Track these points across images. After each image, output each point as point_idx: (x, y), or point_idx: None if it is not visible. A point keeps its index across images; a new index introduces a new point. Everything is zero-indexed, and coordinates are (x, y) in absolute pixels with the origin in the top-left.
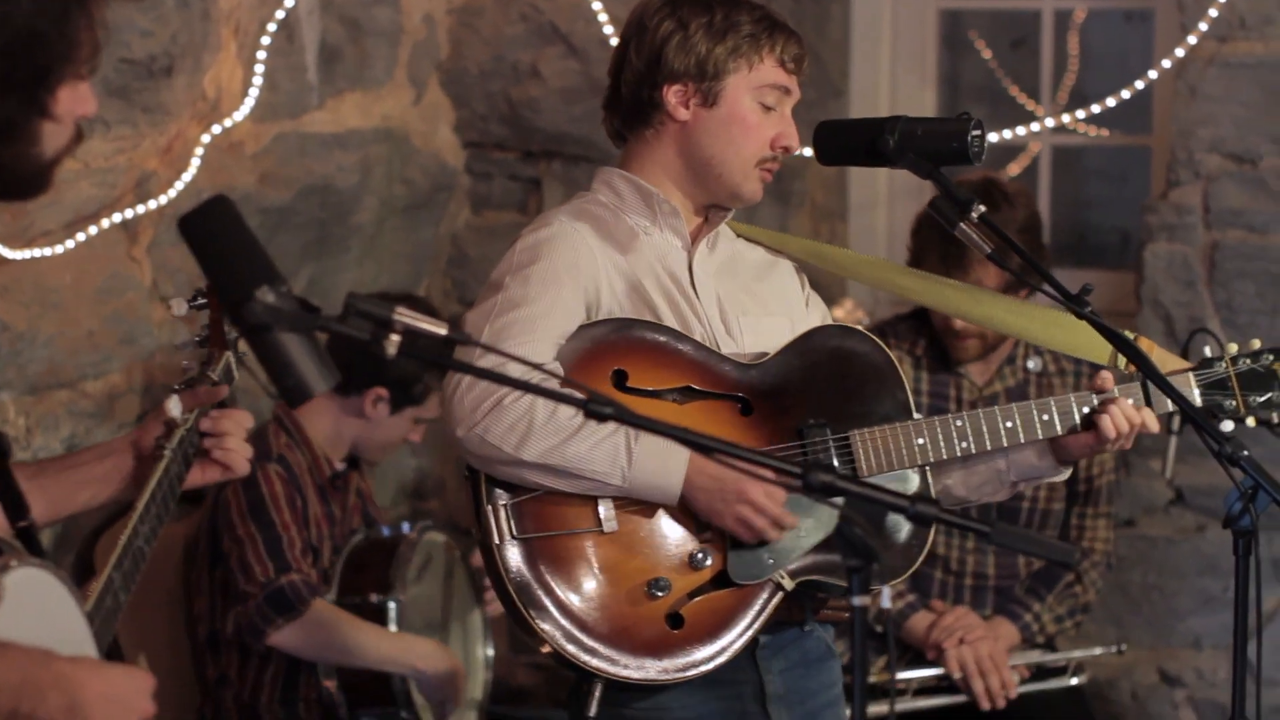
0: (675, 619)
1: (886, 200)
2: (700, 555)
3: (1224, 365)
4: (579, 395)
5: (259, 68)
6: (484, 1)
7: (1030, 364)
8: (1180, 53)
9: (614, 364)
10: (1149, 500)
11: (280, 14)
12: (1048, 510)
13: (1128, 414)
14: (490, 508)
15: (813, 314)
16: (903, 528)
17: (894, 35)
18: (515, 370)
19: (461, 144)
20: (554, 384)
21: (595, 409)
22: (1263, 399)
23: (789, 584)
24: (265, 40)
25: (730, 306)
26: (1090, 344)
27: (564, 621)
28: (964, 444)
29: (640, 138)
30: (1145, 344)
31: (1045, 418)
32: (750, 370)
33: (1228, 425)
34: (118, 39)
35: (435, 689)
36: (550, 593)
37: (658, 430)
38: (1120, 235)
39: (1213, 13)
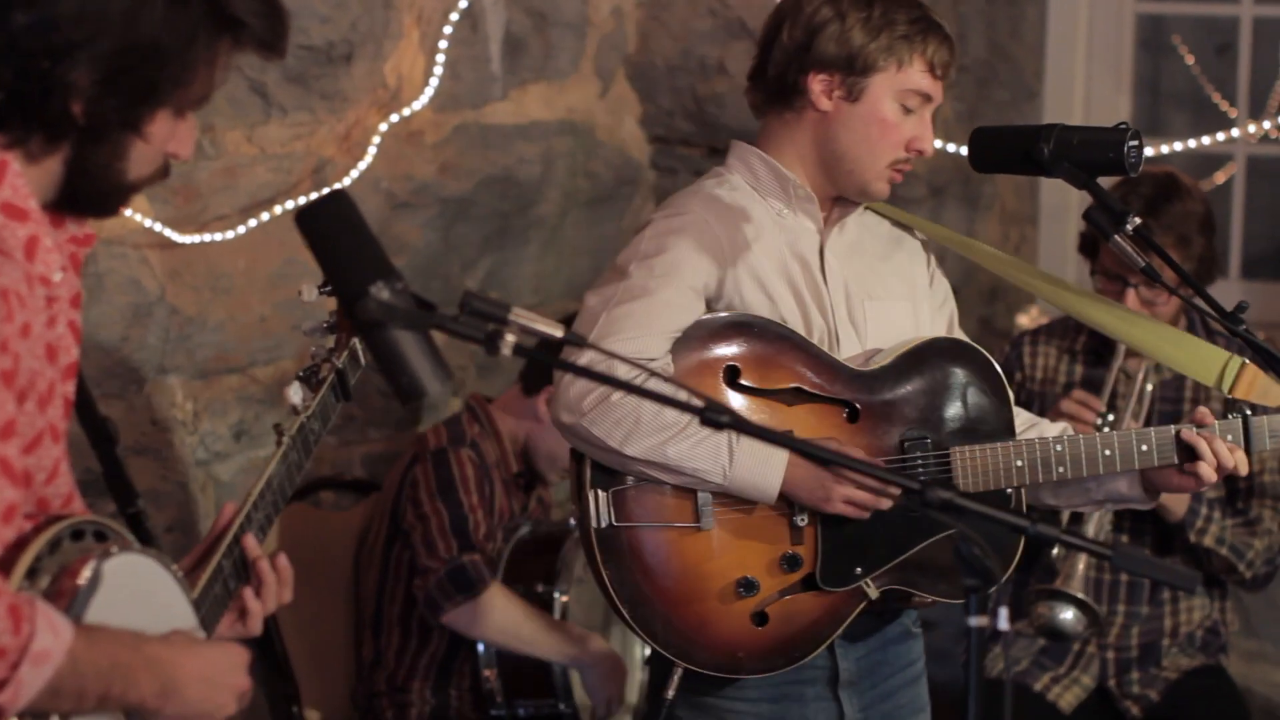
0: (761, 617)
1: (1079, 206)
2: (791, 558)
3: None
4: (696, 403)
5: (440, 57)
6: None
7: None
8: None
9: (727, 360)
10: None
11: (464, 3)
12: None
13: (1220, 455)
14: (592, 493)
15: (936, 293)
16: (997, 536)
17: (1090, 38)
18: (625, 367)
19: (647, 139)
20: (665, 385)
21: (712, 417)
22: None
23: (874, 593)
24: (448, 29)
25: (856, 290)
26: (1202, 364)
27: (651, 610)
28: (1061, 469)
29: (780, 118)
30: (1251, 372)
31: (1144, 449)
32: (861, 376)
33: None
34: (296, 25)
35: (601, 686)
36: (641, 580)
37: (781, 442)
38: None
39: None
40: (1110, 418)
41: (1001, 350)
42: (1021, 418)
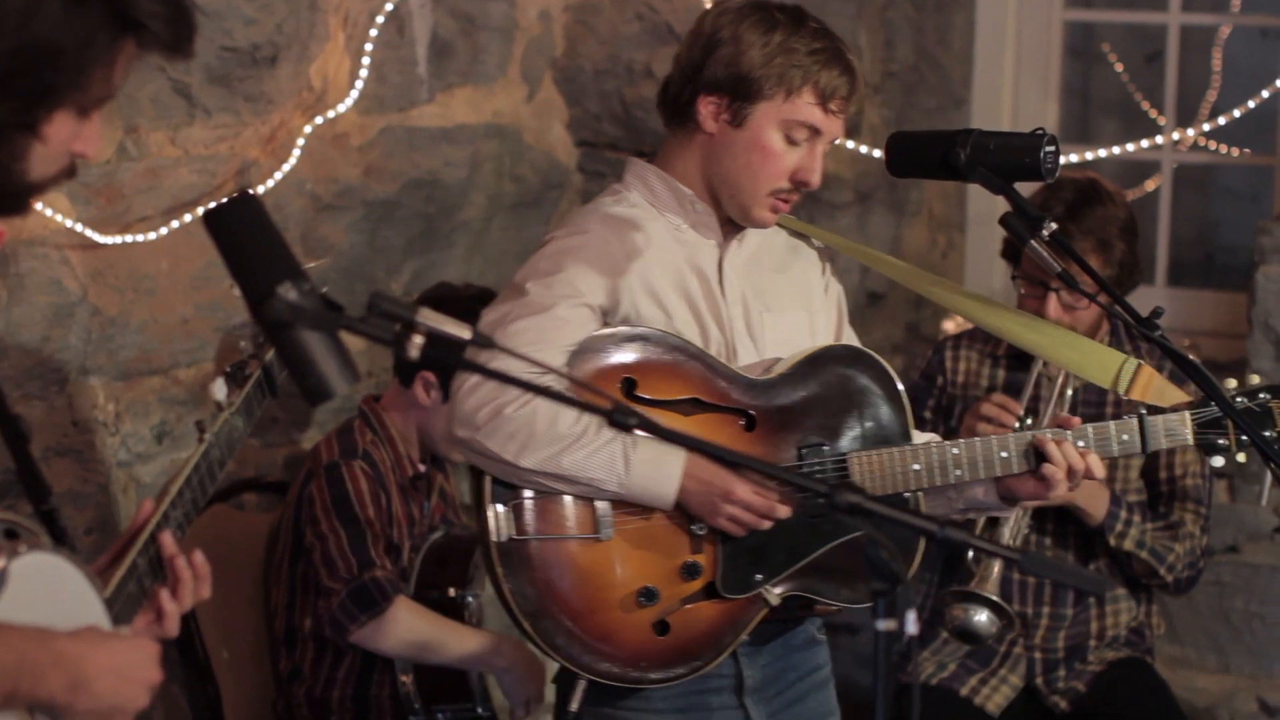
0: (662, 626)
1: None
2: (691, 567)
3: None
4: (604, 405)
5: (366, 59)
6: (601, 0)
7: None
8: None
9: (624, 373)
10: (1253, 528)
11: (390, 6)
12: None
13: (1070, 458)
14: (491, 507)
15: (830, 299)
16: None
17: (1018, 45)
18: (527, 375)
19: (574, 143)
20: (567, 392)
21: (620, 419)
22: (1254, 438)
23: (774, 599)
24: (374, 32)
25: (754, 303)
26: (1098, 367)
27: (553, 622)
28: (958, 472)
29: (675, 137)
30: (1146, 374)
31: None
32: (758, 386)
33: (1218, 461)
34: (220, 26)
35: (519, 689)
36: (542, 593)
37: (696, 447)
38: (1247, 256)
39: None
40: (1029, 421)
41: (926, 355)
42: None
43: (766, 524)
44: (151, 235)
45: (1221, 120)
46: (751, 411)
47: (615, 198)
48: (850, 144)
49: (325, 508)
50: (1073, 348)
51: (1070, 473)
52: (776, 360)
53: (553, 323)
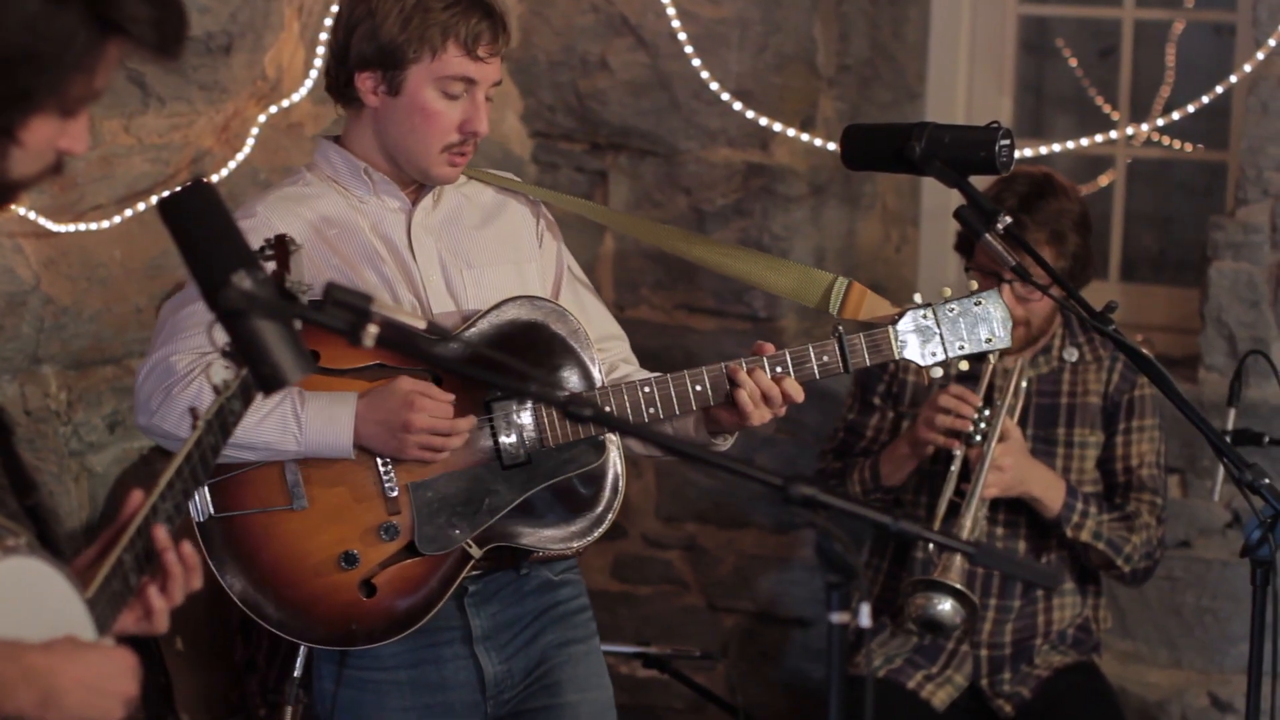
0: (368, 588)
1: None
2: (388, 528)
3: (927, 314)
4: (560, 396)
5: (321, 49)
6: None
7: (1066, 355)
8: (1248, 68)
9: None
10: (1205, 522)
11: None
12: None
13: (762, 384)
14: None
15: (546, 253)
16: (591, 489)
17: (972, 39)
18: (184, 359)
19: (528, 134)
20: (218, 365)
21: (576, 411)
22: (970, 343)
23: (476, 552)
24: (328, 22)
25: (451, 261)
26: (807, 288)
27: (261, 595)
28: (651, 409)
29: (349, 113)
30: (858, 290)
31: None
32: (441, 344)
33: (938, 373)
34: None
35: None
36: (248, 567)
37: (657, 441)
38: (1201, 251)
39: None
40: (987, 413)
41: None
42: (621, 370)
43: (456, 442)
44: (105, 224)
45: (1175, 115)
46: (435, 371)
47: (294, 179)
48: (805, 136)
49: None
50: (780, 272)
51: (765, 399)
52: (474, 313)
53: None
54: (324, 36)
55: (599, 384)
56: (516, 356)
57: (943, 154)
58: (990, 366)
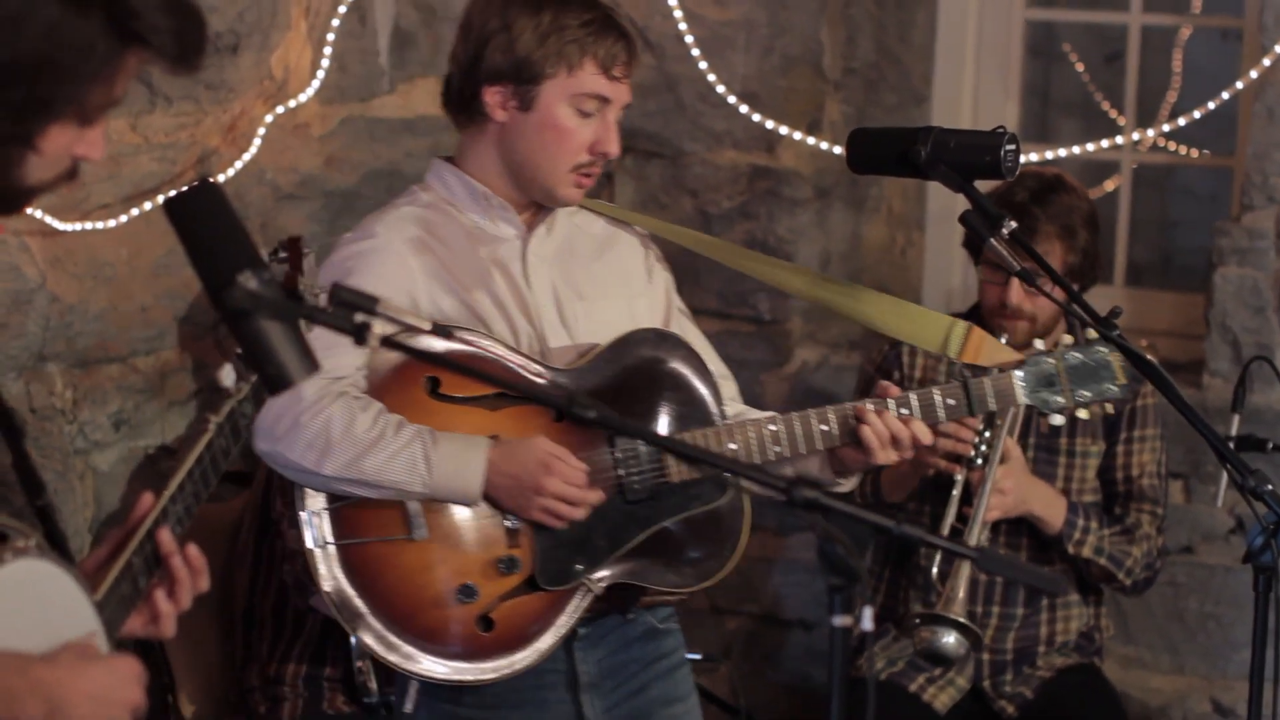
0: (486, 622)
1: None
2: (508, 561)
3: (1050, 361)
4: (557, 397)
5: (328, 49)
6: None
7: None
8: (1255, 74)
9: (428, 371)
10: (1208, 528)
11: None
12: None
13: (892, 426)
14: (304, 514)
15: (655, 286)
16: (717, 529)
17: (979, 43)
18: (313, 386)
19: None
20: (350, 396)
21: (578, 413)
22: (1092, 392)
23: (597, 589)
24: (336, 22)
25: (565, 292)
26: (926, 332)
27: (376, 624)
28: (777, 449)
29: (468, 132)
30: (977, 335)
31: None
32: (564, 375)
33: (1058, 419)
34: None
35: None
36: (364, 596)
37: (645, 437)
38: (1206, 257)
39: None
40: (987, 434)
41: (882, 350)
42: (733, 408)
43: (580, 514)
44: (111, 223)
45: (1181, 121)
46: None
47: (409, 198)
48: (810, 140)
49: None
50: (899, 315)
51: (894, 441)
52: (592, 347)
53: None
54: (331, 37)
55: (722, 421)
56: (638, 392)
57: (948, 158)
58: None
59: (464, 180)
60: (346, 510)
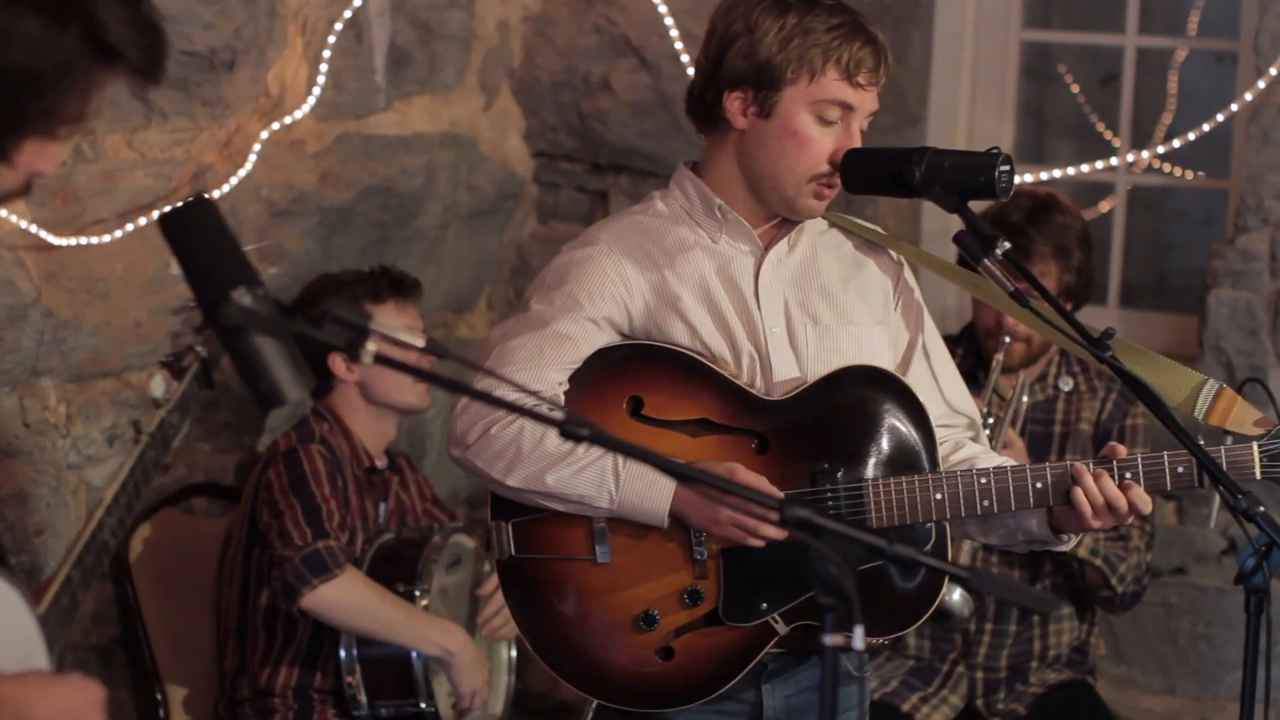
0: (666, 652)
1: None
2: (693, 592)
3: None
4: (557, 416)
5: (324, 66)
6: (559, 11)
7: (1062, 384)
8: (1249, 96)
9: (631, 390)
10: (1201, 549)
11: (348, 13)
12: None
13: (1107, 492)
14: (495, 524)
15: (906, 316)
16: (914, 579)
17: (975, 64)
18: (510, 398)
19: (530, 153)
20: (543, 409)
21: (571, 430)
22: None
23: (782, 628)
24: (332, 39)
25: (799, 314)
26: (1169, 385)
27: (556, 642)
28: (986, 503)
29: (711, 139)
30: (1228, 396)
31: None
32: (772, 406)
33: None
34: (178, 30)
35: (464, 677)
36: (544, 612)
37: (632, 453)
38: (1200, 278)
39: None
40: (987, 433)
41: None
42: (963, 452)
43: (772, 531)
44: (106, 238)
45: (1176, 143)
46: (764, 434)
47: (646, 205)
48: None
49: (282, 488)
50: (1149, 368)
51: (1110, 508)
52: (802, 382)
53: (552, 339)
54: (327, 54)
55: (932, 470)
56: (844, 431)
57: (942, 179)
58: (993, 376)
59: (702, 191)
60: (535, 525)
